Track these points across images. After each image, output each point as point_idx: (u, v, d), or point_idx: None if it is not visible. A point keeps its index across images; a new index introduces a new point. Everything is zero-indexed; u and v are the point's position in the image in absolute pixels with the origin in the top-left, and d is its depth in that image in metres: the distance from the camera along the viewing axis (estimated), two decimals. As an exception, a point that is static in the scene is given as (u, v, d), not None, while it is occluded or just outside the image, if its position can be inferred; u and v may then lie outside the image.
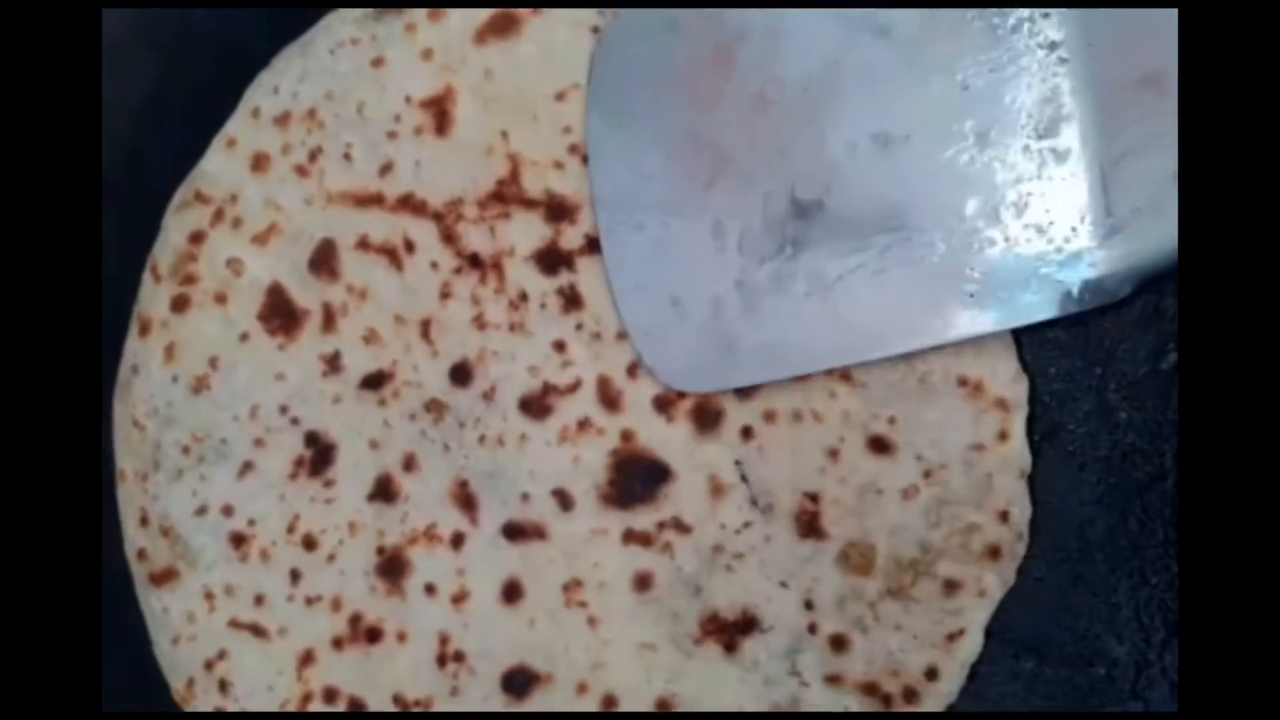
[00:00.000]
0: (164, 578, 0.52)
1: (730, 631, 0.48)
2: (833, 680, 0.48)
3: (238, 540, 0.52)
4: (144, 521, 0.53)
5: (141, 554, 0.53)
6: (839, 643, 0.48)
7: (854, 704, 0.47)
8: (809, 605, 0.48)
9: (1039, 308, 0.43)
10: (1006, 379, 0.46)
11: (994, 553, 0.47)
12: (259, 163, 0.52)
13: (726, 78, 0.45)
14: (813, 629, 0.48)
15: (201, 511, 0.52)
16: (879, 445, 0.47)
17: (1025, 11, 0.40)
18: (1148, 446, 0.46)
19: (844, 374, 0.48)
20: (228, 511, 0.52)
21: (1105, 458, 0.46)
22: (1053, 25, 0.40)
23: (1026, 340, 0.47)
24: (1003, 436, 0.46)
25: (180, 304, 0.53)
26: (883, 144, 0.43)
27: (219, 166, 0.53)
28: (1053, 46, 0.40)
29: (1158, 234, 0.39)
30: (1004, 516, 0.47)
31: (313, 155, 0.52)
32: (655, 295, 0.47)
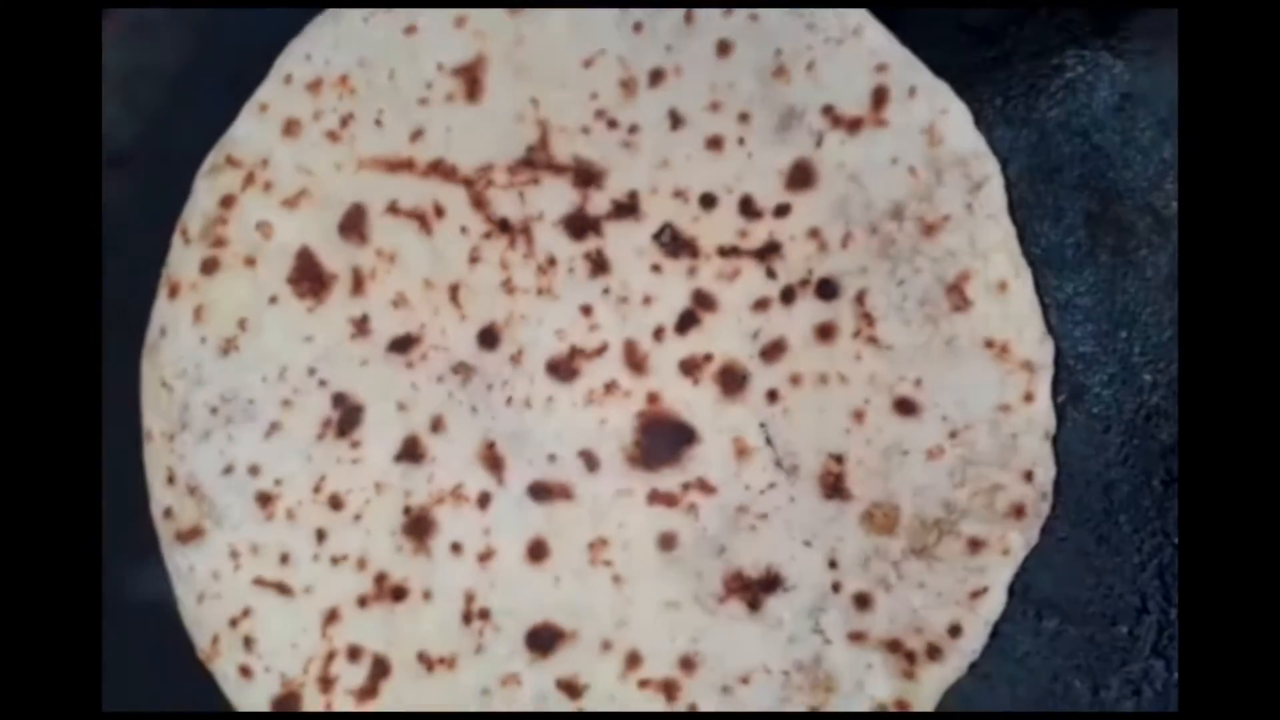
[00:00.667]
0: (190, 536, 0.53)
1: (754, 590, 0.49)
2: (856, 638, 0.48)
3: (264, 499, 0.52)
4: (170, 480, 0.53)
5: (168, 513, 0.53)
6: (862, 601, 0.48)
7: (877, 661, 0.48)
8: (833, 564, 0.48)
9: None
10: (1033, 341, 0.47)
11: (1018, 512, 0.47)
12: (290, 128, 0.53)
13: None
14: (836, 588, 0.48)
15: (228, 471, 0.52)
16: (905, 407, 0.48)
17: None
18: (1172, 408, 0.46)
19: (870, 336, 0.48)
20: (254, 471, 0.52)
21: (1130, 420, 0.47)
22: None
23: (1051, 305, 0.47)
24: (1028, 398, 0.47)
25: (210, 266, 0.53)
26: None
27: (250, 131, 0.54)
28: None
29: None
30: (1028, 476, 0.47)
31: (344, 121, 0.53)
32: None
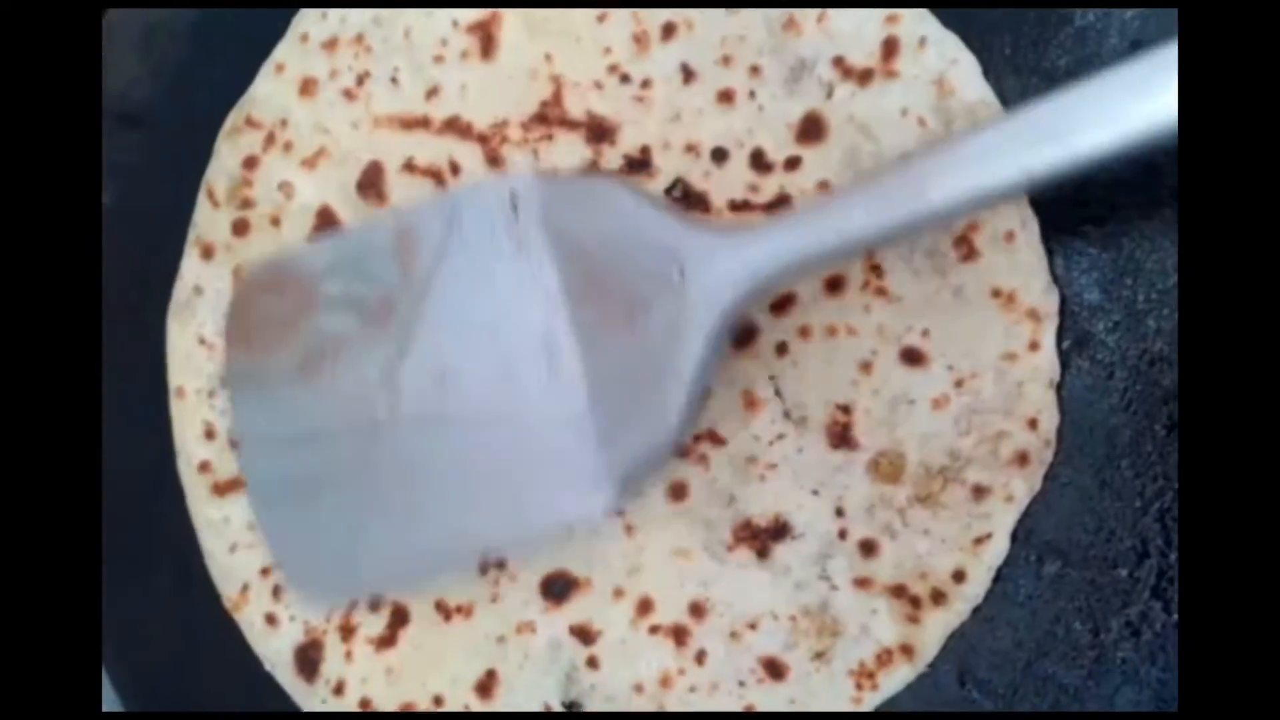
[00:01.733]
0: (228, 488, 0.54)
1: (762, 538, 0.50)
2: (861, 583, 0.49)
3: (294, 453, 0.53)
4: (209, 435, 0.55)
5: (204, 466, 0.55)
6: (868, 548, 0.49)
7: (882, 606, 0.49)
8: (839, 512, 0.49)
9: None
10: (1039, 290, 0.47)
11: (1022, 459, 0.47)
12: (307, 87, 0.54)
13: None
14: (843, 534, 0.49)
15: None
16: (912, 357, 0.48)
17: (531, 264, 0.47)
18: (1175, 354, 0.46)
19: (879, 288, 0.48)
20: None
21: (1134, 365, 0.47)
22: (549, 279, 0.47)
23: (1058, 251, 0.47)
24: (1033, 346, 0.47)
25: (241, 228, 0.55)
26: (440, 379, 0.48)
27: (268, 91, 0.55)
28: (547, 292, 0.47)
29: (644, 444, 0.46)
30: (1033, 424, 0.47)
31: (360, 79, 0.53)
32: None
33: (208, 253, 0.55)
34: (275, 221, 0.54)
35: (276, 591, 0.54)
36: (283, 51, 0.54)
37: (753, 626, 0.50)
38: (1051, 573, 0.47)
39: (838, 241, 0.42)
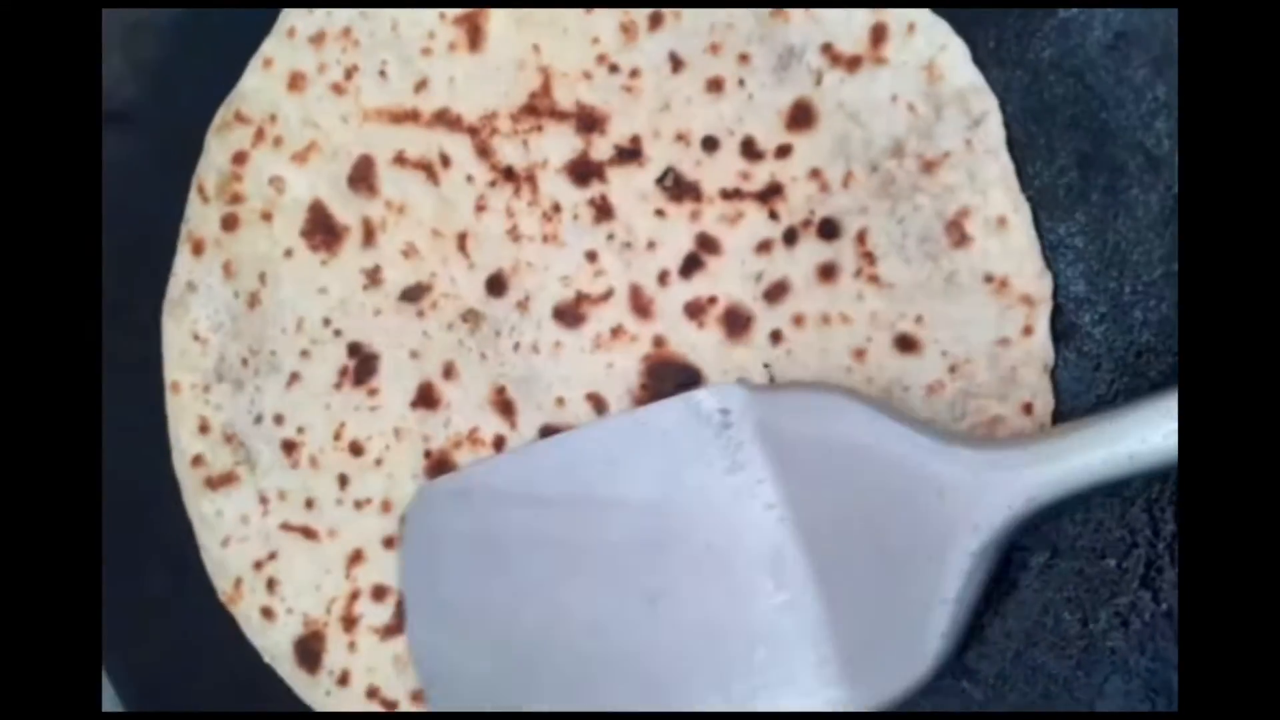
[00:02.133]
0: (222, 482, 0.55)
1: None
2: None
3: (289, 447, 0.54)
4: (204, 429, 0.55)
5: (197, 460, 0.55)
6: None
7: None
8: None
9: None
10: (1032, 275, 0.47)
11: (1017, 444, 0.48)
12: (295, 82, 0.54)
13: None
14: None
15: (258, 420, 0.54)
16: (906, 343, 0.48)
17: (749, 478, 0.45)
18: (1161, 346, 0.46)
19: (872, 275, 0.48)
20: (279, 420, 0.54)
21: (1120, 358, 0.47)
22: (770, 494, 0.45)
23: (1044, 243, 0.47)
24: (1027, 331, 0.47)
25: (230, 223, 0.55)
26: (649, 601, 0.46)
27: (256, 86, 0.54)
28: (770, 506, 0.44)
29: (894, 671, 0.43)
30: (1028, 409, 0.47)
31: (348, 73, 0.53)
32: None
33: (198, 248, 0.55)
34: (266, 216, 0.54)
35: (271, 585, 0.54)
36: (270, 46, 0.54)
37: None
38: (1039, 563, 0.48)
39: (1129, 466, 0.40)
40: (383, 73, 0.53)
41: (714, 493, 0.45)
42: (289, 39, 0.54)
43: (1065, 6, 0.46)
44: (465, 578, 0.49)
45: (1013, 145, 0.47)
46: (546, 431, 0.52)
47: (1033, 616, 0.48)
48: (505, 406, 0.52)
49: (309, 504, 0.54)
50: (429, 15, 0.52)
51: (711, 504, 0.45)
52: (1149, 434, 0.39)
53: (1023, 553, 0.48)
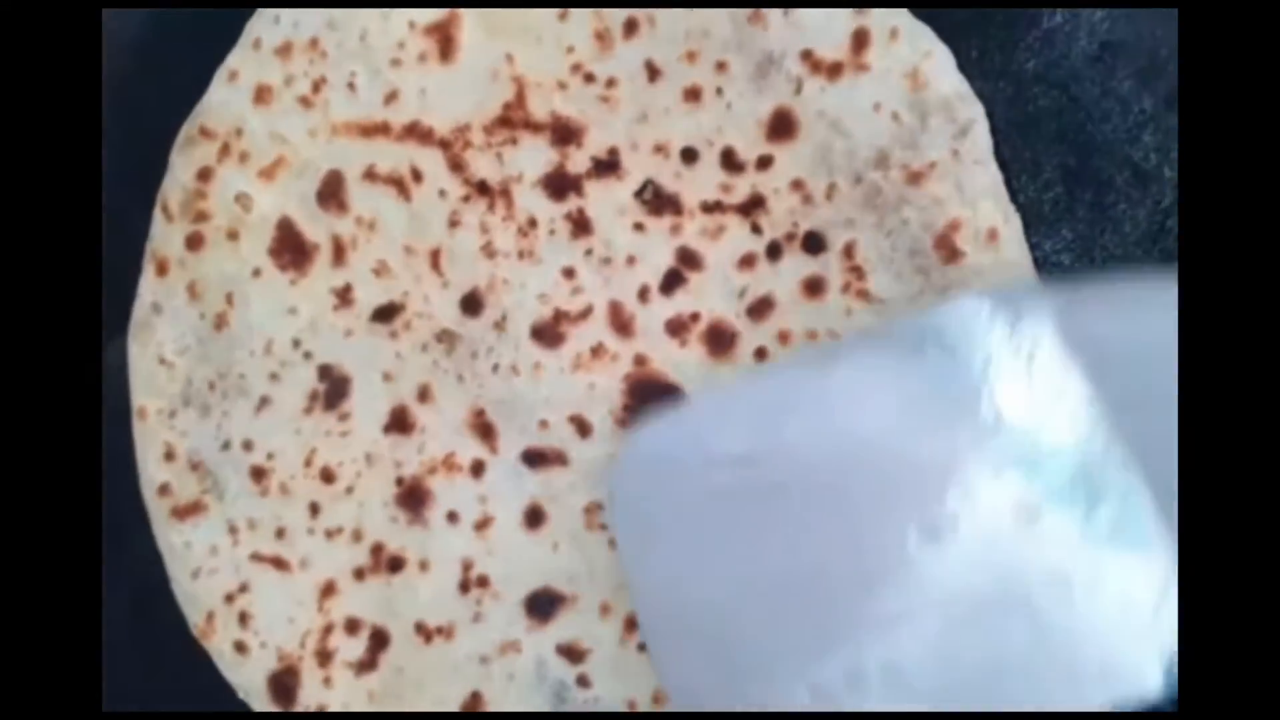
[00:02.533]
0: (189, 511, 0.53)
1: (746, 551, 0.48)
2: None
3: (258, 474, 0.52)
4: (169, 456, 0.53)
5: (164, 489, 0.53)
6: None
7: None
8: (824, 525, 0.48)
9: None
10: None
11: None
12: (261, 95, 0.52)
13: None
14: (829, 547, 0.48)
15: (226, 446, 0.52)
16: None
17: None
18: None
19: (860, 290, 0.47)
20: (248, 446, 0.52)
21: None
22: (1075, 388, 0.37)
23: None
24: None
25: (195, 242, 0.53)
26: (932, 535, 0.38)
27: (222, 100, 0.52)
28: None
29: None
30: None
31: (316, 86, 0.51)
32: None
33: (163, 269, 0.53)
34: (233, 235, 0.52)
35: (244, 618, 0.52)
36: (236, 59, 0.52)
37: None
38: None
39: None
40: (351, 85, 0.51)
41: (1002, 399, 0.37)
42: (254, 51, 0.52)
43: (1062, 7, 0.44)
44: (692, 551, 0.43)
45: (997, 159, 0.45)
46: (529, 456, 0.50)
47: None
48: (485, 430, 0.50)
49: (280, 533, 0.52)
50: (398, 25, 0.50)
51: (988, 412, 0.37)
52: None
53: None
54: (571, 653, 0.50)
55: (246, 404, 0.52)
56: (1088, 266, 0.46)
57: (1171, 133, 0.44)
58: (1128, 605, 0.36)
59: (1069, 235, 0.46)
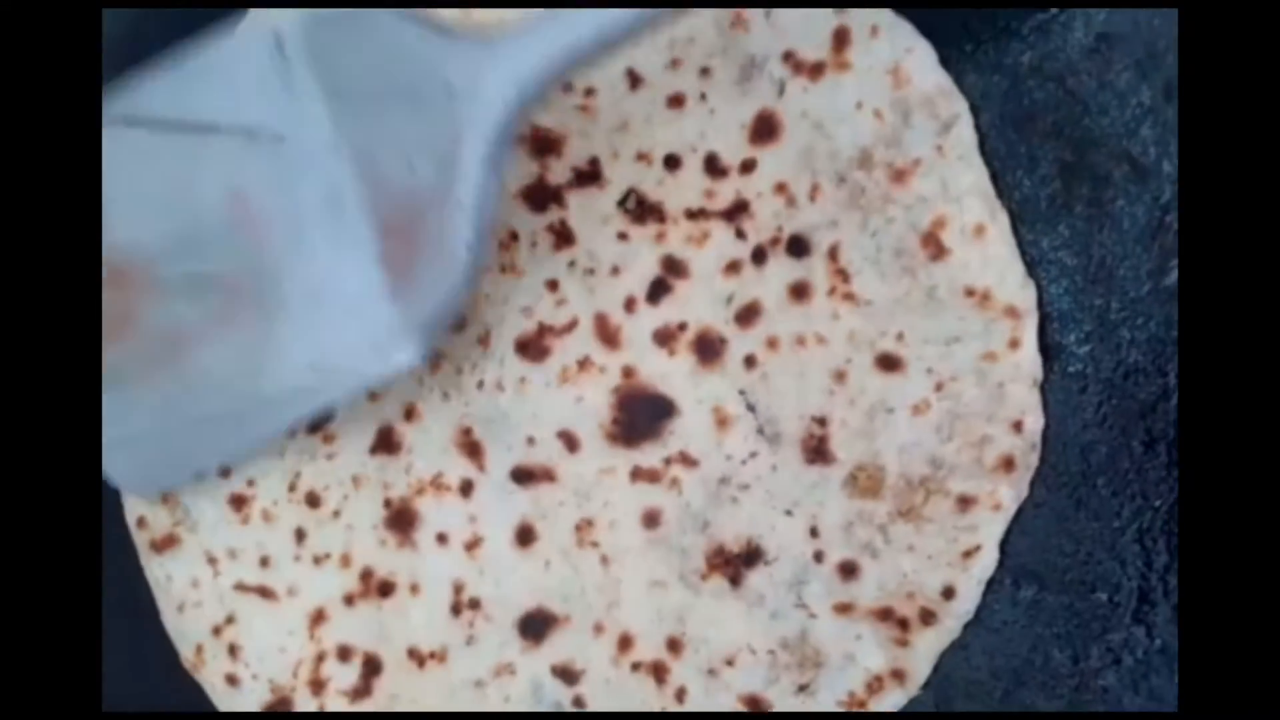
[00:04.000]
0: (165, 544, 0.52)
1: (735, 565, 0.47)
2: (842, 609, 0.47)
3: (238, 502, 0.51)
4: (143, 487, 0.52)
5: (141, 522, 0.52)
6: (847, 570, 0.46)
7: (866, 631, 0.46)
8: (814, 533, 0.47)
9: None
10: (1014, 285, 0.45)
11: (1007, 464, 0.45)
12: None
13: None
14: (819, 557, 0.47)
15: (199, 475, 0.51)
16: (888, 362, 0.46)
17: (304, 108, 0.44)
18: (1150, 366, 0.44)
19: (846, 293, 0.46)
20: (225, 473, 0.51)
21: (1108, 379, 0.45)
22: (323, 122, 0.44)
23: (1026, 257, 0.45)
24: (1014, 344, 0.45)
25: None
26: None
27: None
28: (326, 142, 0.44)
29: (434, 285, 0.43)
30: (1017, 427, 0.45)
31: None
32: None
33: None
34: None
35: (233, 650, 0.51)
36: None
37: (730, 662, 0.47)
38: (1028, 597, 0.46)
39: (596, 36, 0.40)
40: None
41: (278, 121, 0.44)
42: None
43: (1060, 6, 0.44)
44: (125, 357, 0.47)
45: (993, 155, 0.45)
46: (517, 474, 0.49)
47: (1021, 654, 0.46)
48: (472, 448, 0.49)
49: (264, 561, 0.51)
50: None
51: (277, 133, 0.44)
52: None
53: (1010, 588, 0.45)
54: (566, 674, 0.49)
55: (222, 430, 0.51)
56: (1085, 264, 0.44)
57: (1170, 126, 0.43)
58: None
59: (1066, 232, 0.44)
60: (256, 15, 0.47)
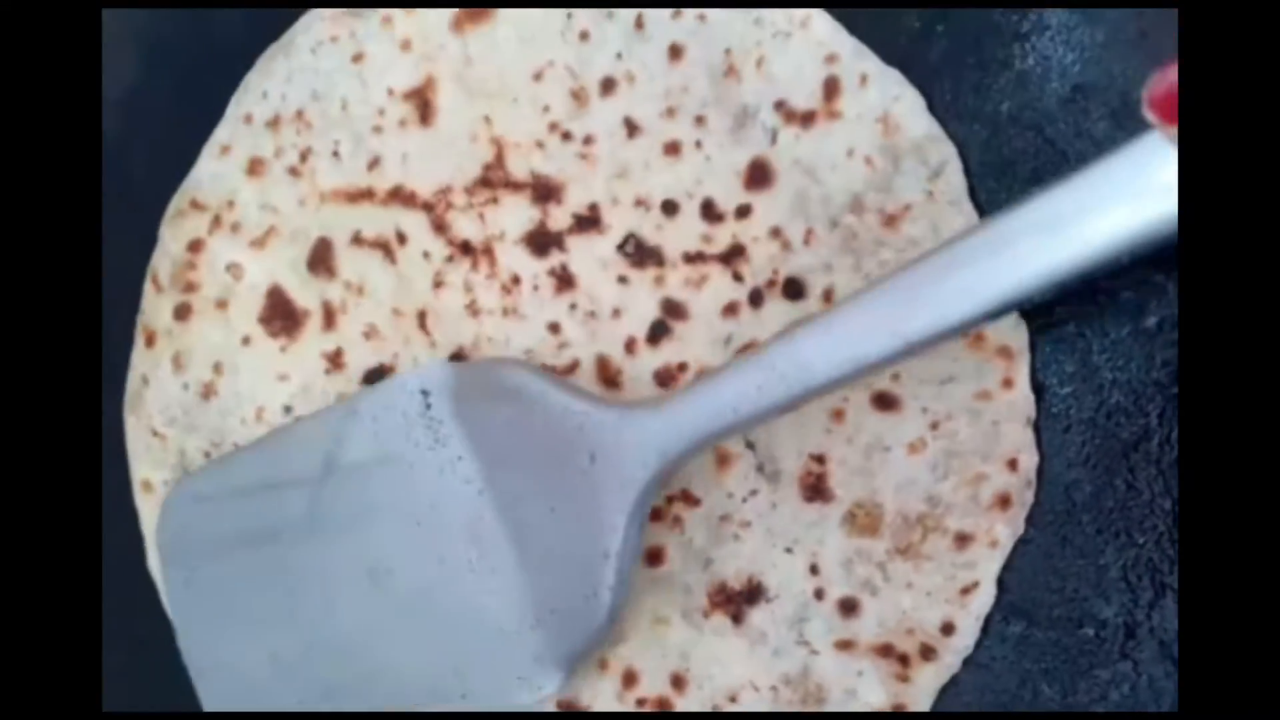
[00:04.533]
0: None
1: (737, 602, 0.48)
2: (844, 646, 0.47)
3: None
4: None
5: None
6: (848, 606, 0.47)
7: (868, 668, 0.47)
8: (814, 570, 0.47)
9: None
10: (1007, 326, 0.45)
11: (1004, 502, 0.46)
12: (254, 167, 0.53)
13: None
14: (819, 594, 0.47)
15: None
16: (884, 402, 0.47)
17: (450, 454, 0.47)
18: (1133, 406, 0.45)
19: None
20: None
21: (1090, 419, 0.45)
22: (469, 468, 0.47)
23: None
24: (1007, 384, 0.46)
25: (183, 312, 0.53)
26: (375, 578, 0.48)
27: (213, 173, 0.53)
28: (469, 480, 0.47)
29: (579, 623, 0.46)
30: (1012, 465, 0.46)
31: (303, 156, 0.52)
32: None
33: (151, 340, 0.54)
34: (221, 305, 0.53)
35: None
36: (226, 133, 0.53)
37: (733, 699, 0.48)
38: (1016, 634, 0.46)
39: (734, 419, 0.43)
40: (336, 153, 0.52)
41: (421, 470, 0.47)
42: (246, 124, 0.53)
43: (1064, 7, 0.44)
44: (222, 579, 0.51)
45: (974, 200, 0.45)
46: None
47: (1010, 689, 0.46)
48: (479, 489, 0.50)
49: (286, 598, 0.52)
50: (378, 92, 0.51)
51: (419, 481, 0.47)
52: (746, 389, 0.43)
53: (998, 624, 0.46)
54: (573, 709, 0.49)
55: (242, 474, 0.52)
56: (1068, 305, 0.45)
57: None
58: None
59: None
60: (403, 379, 0.49)
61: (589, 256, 0.49)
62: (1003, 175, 0.46)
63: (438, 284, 0.51)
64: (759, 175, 0.47)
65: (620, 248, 0.49)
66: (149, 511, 0.54)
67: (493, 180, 0.50)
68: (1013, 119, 0.46)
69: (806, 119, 0.47)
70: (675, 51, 0.48)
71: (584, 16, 0.49)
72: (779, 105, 0.47)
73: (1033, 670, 0.46)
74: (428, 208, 0.51)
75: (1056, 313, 0.45)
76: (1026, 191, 0.40)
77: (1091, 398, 0.45)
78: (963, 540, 0.46)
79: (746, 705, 0.48)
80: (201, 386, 0.53)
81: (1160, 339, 0.44)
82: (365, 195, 0.52)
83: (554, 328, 0.49)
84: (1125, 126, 0.44)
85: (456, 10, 0.50)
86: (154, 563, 0.54)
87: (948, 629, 0.46)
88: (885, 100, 0.46)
